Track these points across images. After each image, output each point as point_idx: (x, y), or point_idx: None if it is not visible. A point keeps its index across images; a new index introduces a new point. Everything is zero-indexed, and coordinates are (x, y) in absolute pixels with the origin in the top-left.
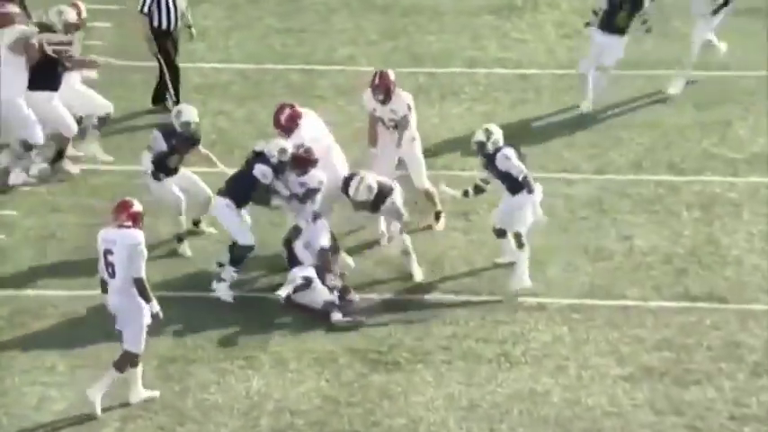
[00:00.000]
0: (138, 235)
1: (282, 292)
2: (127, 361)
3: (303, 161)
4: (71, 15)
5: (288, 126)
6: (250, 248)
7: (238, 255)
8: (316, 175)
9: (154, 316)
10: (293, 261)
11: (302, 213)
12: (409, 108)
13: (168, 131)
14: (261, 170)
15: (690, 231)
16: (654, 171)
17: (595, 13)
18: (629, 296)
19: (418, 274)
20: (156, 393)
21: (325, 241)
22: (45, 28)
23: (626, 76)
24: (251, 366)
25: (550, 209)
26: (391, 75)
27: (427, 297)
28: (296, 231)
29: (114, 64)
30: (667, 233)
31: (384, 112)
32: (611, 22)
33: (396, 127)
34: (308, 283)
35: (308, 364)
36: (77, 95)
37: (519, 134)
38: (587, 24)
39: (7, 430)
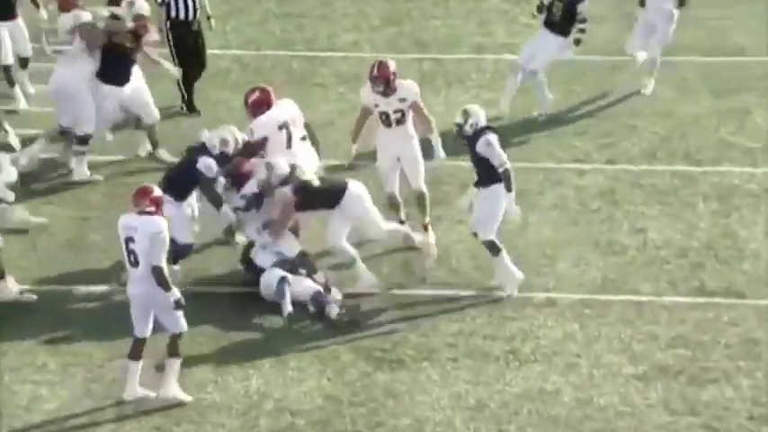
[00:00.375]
0: (161, 222)
1: (289, 307)
2: (178, 344)
3: (240, 177)
4: (143, 7)
5: (253, 108)
6: (188, 247)
7: (177, 252)
8: (252, 184)
9: (175, 303)
10: (255, 270)
11: (251, 222)
12: (417, 93)
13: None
14: (205, 163)
15: (706, 224)
16: (669, 161)
17: (539, 8)
18: (643, 291)
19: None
20: (153, 394)
21: (296, 247)
22: (115, 19)
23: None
24: (250, 365)
25: (561, 200)
26: (391, 65)
27: (432, 292)
28: (249, 245)
29: (175, 75)
30: (683, 226)
31: (389, 104)
32: (549, 14)
33: (402, 118)
34: (287, 280)
35: (310, 362)
36: (136, 93)
37: (527, 122)
38: (539, 10)
39: None
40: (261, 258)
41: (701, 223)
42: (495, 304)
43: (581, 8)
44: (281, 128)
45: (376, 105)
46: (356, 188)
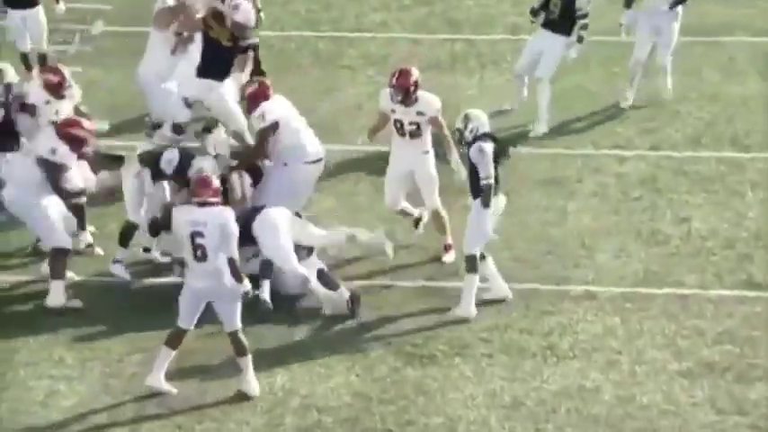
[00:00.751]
0: (229, 213)
1: (265, 295)
2: (242, 341)
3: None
4: (249, 19)
5: (249, 101)
6: (132, 226)
7: (124, 231)
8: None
9: (245, 294)
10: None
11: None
12: (438, 110)
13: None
14: (169, 156)
15: (755, 213)
16: (715, 147)
17: (534, 11)
18: (688, 284)
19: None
20: (174, 390)
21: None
22: (218, 17)
23: (684, 42)
24: (275, 360)
25: (601, 188)
26: (413, 74)
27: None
28: None
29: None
30: (729, 215)
31: (406, 115)
32: (546, 12)
33: (417, 130)
34: (270, 264)
35: (337, 357)
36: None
37: (565, 107)
38: (535, 12)
39: (12, 427)
40: (249, 267)
41: (749, 212)
42: (532, 297)
43: (580, 3)
44: (290, 111)
45: (392, 111)
46: (270, 214)
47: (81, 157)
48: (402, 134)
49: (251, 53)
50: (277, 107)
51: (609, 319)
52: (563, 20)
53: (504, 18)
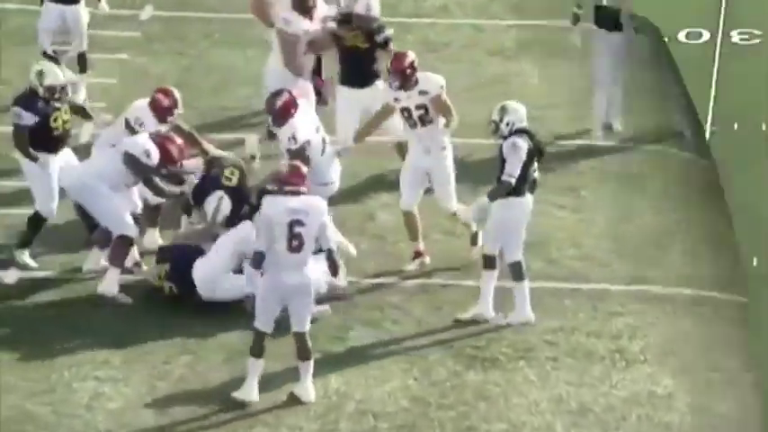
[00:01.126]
0: (325, 204)
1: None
2: (308, 344)
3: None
4: (372, 7)
5: (283, 112)
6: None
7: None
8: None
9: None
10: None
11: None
12: (442, 87)
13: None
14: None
15: None
16: None
17: (579, 6)
18: None
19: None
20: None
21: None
22: (344, 21)
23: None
24: (328, 362)
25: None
26: (409, 57)
27: (530, 285)
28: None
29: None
30: None
31: (410, 99)
32: (599, 11)
33: (426, 115)
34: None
35: (394, 360)
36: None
37: (632, 97)
38: (576, 20)
39: (56, 430)
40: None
41: None
42: (600, 298)
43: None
44: (317, 130)
45: (397, 101)
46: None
47: (158, 171)
48: (412, 124)
49: (391, 47)
50: (302, 123)
51: (681, 322)
52: (613, 9)
53: (571, 4)
